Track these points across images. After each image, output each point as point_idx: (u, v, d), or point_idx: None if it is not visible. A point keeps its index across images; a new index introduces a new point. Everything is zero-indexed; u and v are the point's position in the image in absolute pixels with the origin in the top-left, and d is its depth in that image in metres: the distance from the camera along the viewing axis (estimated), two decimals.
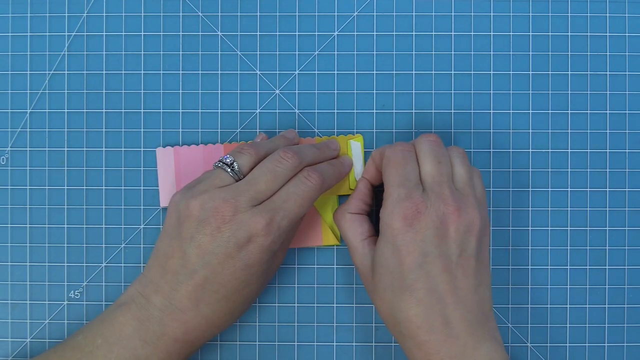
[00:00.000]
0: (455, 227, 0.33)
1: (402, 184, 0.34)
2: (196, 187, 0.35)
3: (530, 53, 0.41)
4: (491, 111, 0.41)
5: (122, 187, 0.41)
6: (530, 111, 0.41)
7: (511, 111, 0.41)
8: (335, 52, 0.41)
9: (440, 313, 0.33)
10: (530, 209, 0.41)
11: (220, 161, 0.35)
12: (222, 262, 0.33)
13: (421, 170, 0.35)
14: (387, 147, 0.37)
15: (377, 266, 0.34)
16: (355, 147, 0.40)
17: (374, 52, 0.41)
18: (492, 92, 0.41)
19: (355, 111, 0.41)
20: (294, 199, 0.34)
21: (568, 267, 0.41)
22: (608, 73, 0.41)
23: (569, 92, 0.41)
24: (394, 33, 0.41)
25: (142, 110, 0.41)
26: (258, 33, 0.41)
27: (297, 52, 0.41)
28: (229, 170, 0.35)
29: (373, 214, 0.40)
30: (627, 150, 0.41)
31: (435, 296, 0.33)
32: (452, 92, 0.41)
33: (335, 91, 0.41)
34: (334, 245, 0.41)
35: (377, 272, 0.34)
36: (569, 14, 0.41)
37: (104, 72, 0.41)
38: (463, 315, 0.33)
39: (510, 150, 0.41)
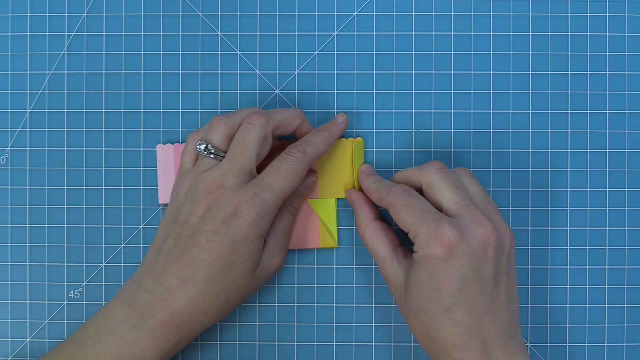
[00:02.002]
0: (494, 247, 0.33)
1: (423, 219, 0.33)
2: (188, 175, 0.36)
3: (530, 53, 0.41)
4: (491, 111, 0.41)
5: (122, 187, 0.41)
6: (530, 111, 0.41)
7: (511, 111, 0.41)
8: (335, 52, 0.41)
9: (478, 332, 0.33)
10: (530, 209, 0.41)
11: (197, 148, 0.36)
12: (210, 238, 0.34)
13: (442, 199, 0.35)
14: (386, 193, 0.36)
15: (412, 289, 0.34)
16: (357, 151, 0.40)
17: (374, 52, 0.41)
18: (492, 92, 0.41)
19: (355, 111, 0.41)
20: (276, 173, 0.35)
21: (568, 267, 0.41)
22: (608, 73, 0.41)
23: (569, 92, 0.41)
24: (394, 33, 0.41)
25: (142, 110, 0.41)
26: (258, 33, 0.41)
27: (297, 52, 0.41)
28: (210, 155, 0.36)
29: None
30: (627, 150, 0.41)
31: (474, 317, 0.33)
32: (452, 92, 0.41)
33: (335, 91, 0.41)
34: (332, 248, 0.41)
35: (412, 293, 0.34)
36: (569, 14, 0.41)
37: (104, 72, 0.41)
38: (498, 332, 0.33)
39: (510, 150, 0.41)
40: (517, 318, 0.35)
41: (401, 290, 0.35)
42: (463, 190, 0.35)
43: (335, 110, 0.41)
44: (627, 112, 0.41)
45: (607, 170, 0.41)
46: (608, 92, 0.41)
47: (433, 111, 0.41)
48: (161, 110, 0.41)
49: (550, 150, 0.41)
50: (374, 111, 0.41)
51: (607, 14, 0.41)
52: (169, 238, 0.35)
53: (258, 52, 0.41)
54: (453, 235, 0.33)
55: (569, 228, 0.41)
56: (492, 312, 0.33)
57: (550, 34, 0.41)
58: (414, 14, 0.41)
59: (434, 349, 0.34)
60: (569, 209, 0.41)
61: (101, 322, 0.35)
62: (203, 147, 0.36)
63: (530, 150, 0.41)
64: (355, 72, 0.41)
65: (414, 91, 0.41)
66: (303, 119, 0.38)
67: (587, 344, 0.40)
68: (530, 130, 0.41)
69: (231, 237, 0.34)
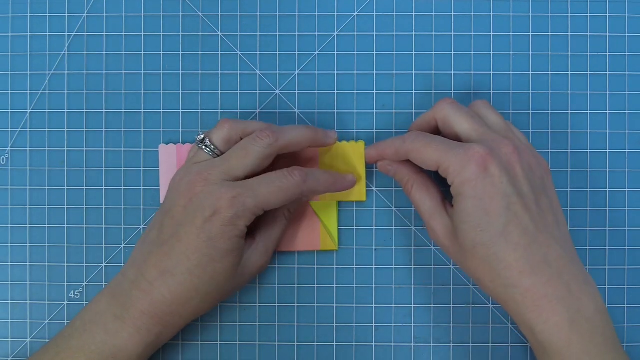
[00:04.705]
0: (520, 166, 0.33)
1: (449, 149, 0.34)
2: (182, 167, 0.37)
3: (530, 53, 0.41)
4: None
5: (122, 187, 0.41)
6: (530, 111, 0.41)
7: (511, 111, 0.41)
8: (335, 52, 0.41)
9: (538, 252, 0.32)
10: None
11: (196, 140, 0.37)
12: (188, 232, 0.34)
13: (459, 130, 0.35)
14: (401, 142, 0.36)
15: (461, 225, 0.33)
16: (358, 152, 0.40)
17: (374, 52, 0.41)
18: (492, 92, 0.41)
19: (355, 111, 0.41)
20: (268, 185, 0.34)
21: None
22: (608, 73, 0.41)
23: (569, 92, 0.41)
24: (394, 33, 0.41)
25: (142, 110, 0.41)
26: (258, 33, 0.41)
27: (297, 52, 0.41)
28: (205, 148, 0.36)
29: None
30: (627, 150, 0.41)
31: (529, 236, 0.32)
32: (452, 92, 0.41)
33: (335, 91, 0.41)
34: (332, 251, 0.40)
35: (462, 231, 0.33)
36: (569, 14, 0.41)
37: (104, 72, 0.41)
38: (558, 254, 0.33)
39: None
40: (571, 242, 0.34)
41: (452, 238, 0.35)
42: (479, 119, 0.35)
43: (335, 111, 0.41)
44: (627, 112, 0.41)
45: (607, 170, 0.41)
46: (608, 92, 0.41)
47: None
48: (161, 110, 0.41)
49: (550, 150, 0.41)
50: (374, 111, 0.41)
51: (607, 14, 0.41)
52: (154, 228, 0.36)
53: (258, 52, 0.41)
54: (484, 151, 0.33)
55: (569, 228, 0.41)
56: (544, 231, 0.33)
57: (550, 34, 0.41)
58: (414, 14, 0.41)
59: (503, 285, 0.33)
60: (569, 209, 0.41)
61: (87, 313, 0.35)
62: (200, 138, 0.37)
63: None
64: (355, 72, 0.41)
65: (414, 91, 0.41)
66: (314, 138, 0.37)
67: None
68: (530, 130, 0.41)
69: (207, 232, 0.34)
